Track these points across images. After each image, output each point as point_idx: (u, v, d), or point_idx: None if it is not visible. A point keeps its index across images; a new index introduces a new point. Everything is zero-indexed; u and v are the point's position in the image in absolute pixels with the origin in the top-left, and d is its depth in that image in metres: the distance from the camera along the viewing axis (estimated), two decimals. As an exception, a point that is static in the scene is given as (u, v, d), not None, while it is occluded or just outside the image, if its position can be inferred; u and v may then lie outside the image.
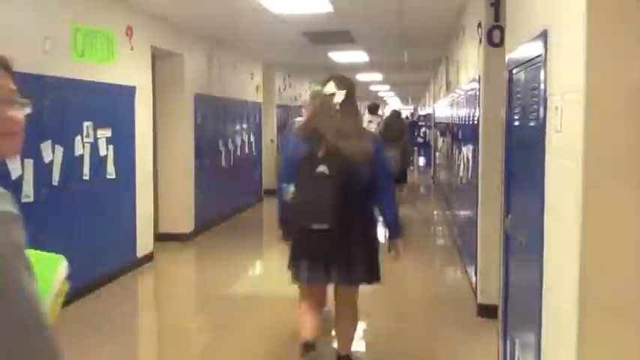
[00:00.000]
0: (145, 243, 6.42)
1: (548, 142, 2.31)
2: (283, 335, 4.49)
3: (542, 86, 2.38)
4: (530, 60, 2.65)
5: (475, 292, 4.88)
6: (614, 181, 1.87)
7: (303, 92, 15.98)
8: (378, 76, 16.01)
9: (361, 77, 15.77)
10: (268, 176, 11.90)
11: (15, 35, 4.35)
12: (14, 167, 4.23)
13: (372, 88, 20.87)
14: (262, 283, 6.34)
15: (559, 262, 2.16)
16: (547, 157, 2.33)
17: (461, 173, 6.57)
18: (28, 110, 1.10)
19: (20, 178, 4.35)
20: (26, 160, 4.40)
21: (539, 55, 2.44)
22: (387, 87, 21.70)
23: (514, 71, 3.07)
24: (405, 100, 33.30)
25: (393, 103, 36.71)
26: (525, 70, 2.80)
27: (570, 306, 1.96)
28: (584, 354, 1.91)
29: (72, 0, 5.11)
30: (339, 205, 3.05)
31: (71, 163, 5.03)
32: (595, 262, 1.89)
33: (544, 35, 2.36)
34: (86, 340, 4.29)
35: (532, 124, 2.60)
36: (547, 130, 2.32)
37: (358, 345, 4.43)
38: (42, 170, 4.61)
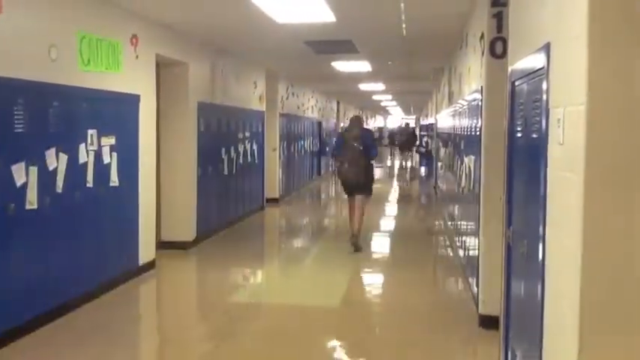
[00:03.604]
0: (147, 250, 6.43)
1: (550, 154, 2.32)
2: (284, 343, 4.49)
3: (544, 98, 2.40)
4: (532, 72, 2.67)
5: (476, 303, 4.88)
6: (615, 194, 1.88)
7: (305, 102, 16.02)
8: (380, 86, 16.07)
9: (364, 87, 15.84)
10: (270, 185, 11.92)
11: (22, 43, 4.39)
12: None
13: (375, 97, 20.94)
14: (263, 292, 6.35)
15: (560, 273, 2.17)
16: (549, 169, 2.35)
17: (463, 184, 6.58)
18: None
19: (24, 186, 4.37)
20: (30, 168, 4.43)
21: (541, 68, 2.46)
22: (390, 97, 21.76)
23: (516, 83, 3.09)
24: (407, 110, 33.36)
25: (395, 112, 36.69)
26: (528, 82, 2.82)
27: (571, 317, 1.97)
28: (586, 365, 1.91)
29: (78, 9, 5.15)
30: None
31: (75, 170, 5.05)
32: (596, 273, 1.90)
33: (547, 48, 2.38)
34: (88, 347, 4.30)
35: (534, 135, 2.61)
36: (549, 142, 2.33)
37: (361, 357, 4.43)
38: (46, 177, 4.64)
